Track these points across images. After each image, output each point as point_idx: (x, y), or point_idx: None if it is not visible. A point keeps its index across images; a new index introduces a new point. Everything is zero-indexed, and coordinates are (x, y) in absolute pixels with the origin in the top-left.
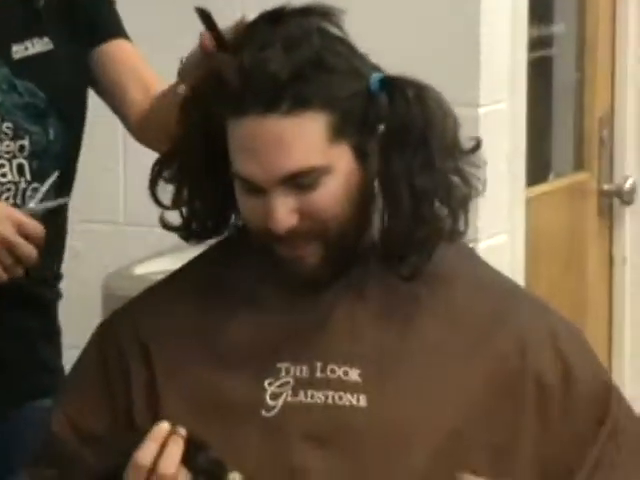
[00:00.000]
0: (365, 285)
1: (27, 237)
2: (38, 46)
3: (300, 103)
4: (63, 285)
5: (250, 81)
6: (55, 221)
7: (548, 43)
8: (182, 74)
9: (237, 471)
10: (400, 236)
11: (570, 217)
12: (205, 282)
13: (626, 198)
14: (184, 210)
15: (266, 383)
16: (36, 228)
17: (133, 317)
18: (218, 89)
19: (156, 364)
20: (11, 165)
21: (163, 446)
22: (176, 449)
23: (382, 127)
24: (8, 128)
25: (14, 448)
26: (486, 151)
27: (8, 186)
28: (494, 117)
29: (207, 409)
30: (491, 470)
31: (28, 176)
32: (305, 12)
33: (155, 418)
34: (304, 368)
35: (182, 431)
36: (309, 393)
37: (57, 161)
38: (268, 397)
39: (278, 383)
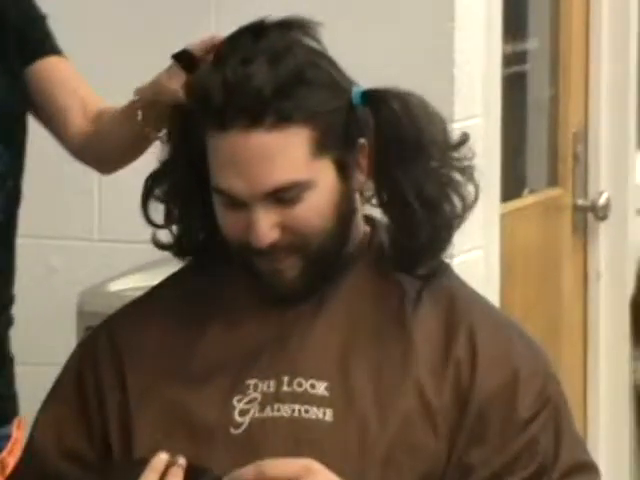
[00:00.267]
0: (335, 299)
1: None
2: None
3: (284, 118)
4: (38, 302)
5: (234, 96)
6: (4, 244)
7: (522, 59)
8: (138, 100)
9: None
10: (420, 247)
11: (544, 232)
12: (180, 300)
13: (600, 213)
14: (174, 227)
15: (235, 400)
16: None
17: (111, 337)
18: (201, 103)
19: (130, 386)
20: None
21: (163, 476)
22: None
23: (363, 140)
24: None
25: None
26: None
27: None
28: (468, 132)
29: (177, 429)
30: None
31: None
32: (285, 25)
33: (128, 439)
34: (271, 383)
35: (181, 461)
36: (275, 407)
37: None
38: (237, 414)
39: (246, 400)
